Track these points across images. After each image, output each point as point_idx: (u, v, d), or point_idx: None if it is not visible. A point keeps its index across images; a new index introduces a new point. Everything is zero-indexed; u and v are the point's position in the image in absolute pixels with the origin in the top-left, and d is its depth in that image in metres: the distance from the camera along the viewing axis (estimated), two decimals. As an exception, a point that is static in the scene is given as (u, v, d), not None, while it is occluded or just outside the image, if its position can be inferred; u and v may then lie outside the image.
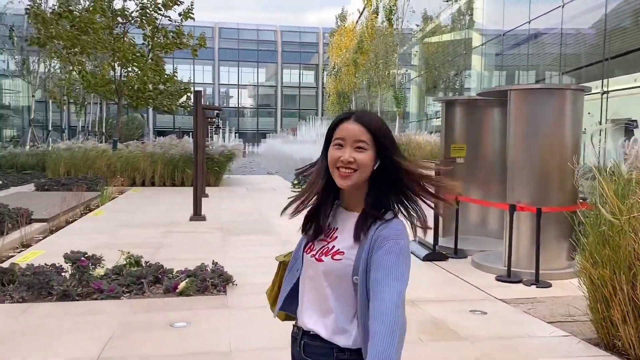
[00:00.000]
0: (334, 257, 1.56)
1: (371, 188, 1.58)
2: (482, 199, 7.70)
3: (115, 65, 19.26)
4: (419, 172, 1.58)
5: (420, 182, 1.58)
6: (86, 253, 5.75)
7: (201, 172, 10.63)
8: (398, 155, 1.57)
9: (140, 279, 5.46)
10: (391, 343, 1.33)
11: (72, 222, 10.00)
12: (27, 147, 22.25)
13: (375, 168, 1.56)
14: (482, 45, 25.89)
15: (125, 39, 18.87)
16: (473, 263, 6.75)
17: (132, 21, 18.63)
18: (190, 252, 7.18)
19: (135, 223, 9.65)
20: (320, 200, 1.63)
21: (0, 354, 3.72)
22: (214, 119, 18.61)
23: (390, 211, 1.58)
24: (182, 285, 5.37)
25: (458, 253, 7.25)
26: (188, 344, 4.01)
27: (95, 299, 5.10)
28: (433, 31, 30.67)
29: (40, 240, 8.25)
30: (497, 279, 6.07)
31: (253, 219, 10.32)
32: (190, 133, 16.56)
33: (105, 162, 16.39)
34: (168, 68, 27.24)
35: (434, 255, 7.06)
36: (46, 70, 25.92)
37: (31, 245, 7.77)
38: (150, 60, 19.62)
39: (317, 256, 1.60)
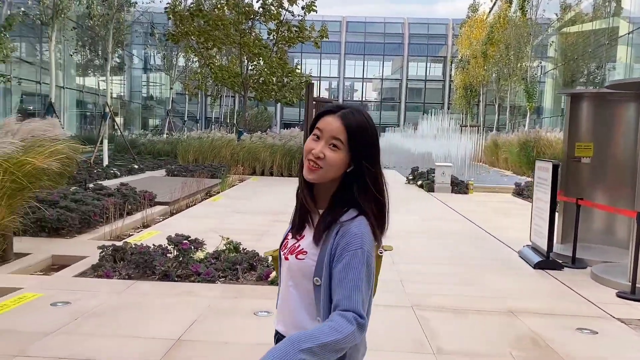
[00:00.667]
0: (298, 257, 1.53)
1: (340, 190, 1.51)
2: (609, 204, 6.89)
3: (243, 58, 20.18)
4: (375, 195, 1.50)
5: (372, 204, 1.49)
6: (189, 236, 6.04)
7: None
8: (374, 165, 1.49)
9: (235, 265, 5.61)
10: (313, 338, 1.29)
11: (191, 206, 10.64)
12: (165, 135, 24.18)
13: (348, 171, 1.49)
14: (629, 34, 23.32)
15: (252, 33, 19.70)
16: (592, 275, 6.06)
17: (258, 16, 19.38)
18: (290, 242, 7.26)
19: (247, 210, 10.02)
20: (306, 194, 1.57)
21: (94, 326, 4.01)
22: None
23: (352, 210, 1.48)
24: (273, 274, 5.43)
25: (576, 262, 6.55)
26: (265, 333, 4.01)
27: (193, 281, 5.33)
28: (573, 20, 28.23)
29: (160, 221, 8.86)
30: (619, 295, 5.38)
31: (360, 213, 10.21)
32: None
33: (230, 151, 17.28)
34: (296, 62, 28.05)
35: (547, 263, 6.45)
36: (185, 64, 27.97)
37: (150, 226, 8.37)
38: (274, 54, 20.29)
39: (285, 254, 1.59)
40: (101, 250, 5.75)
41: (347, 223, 1.45)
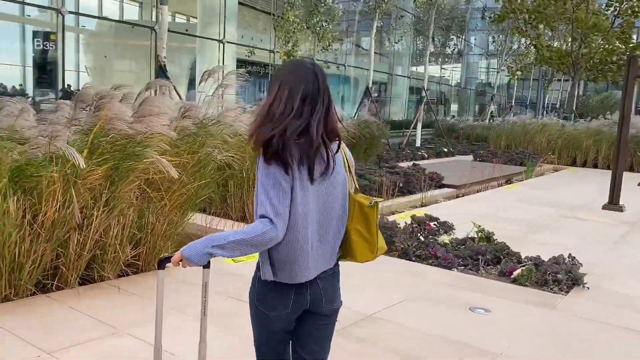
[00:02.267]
0: None
1: None
2: None
3: (575, 35, 18.02)
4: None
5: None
6: (438, 218, 5.82)
7: (624, 155, 8.97)
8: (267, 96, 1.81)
9: (478, 255, 5.14)
10: (224, 237, 1.70)
11: (482, 191, 10.22)
12: (487, 120, 23.68)
13: None
14: None
15: (588, 6, 17.35)
16: None
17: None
18: (568, 240, 6.24)
19: (538, 201, 9.02)
20: None
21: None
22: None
23: None
24: (517, 272, 4.78)
25: None
26: (465, 331, 3.57)
27: (430, 263, 5.11)
28: None
29: (439, 202, 8.79)
30: None
31: (691, 219, 8.03)
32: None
33: (545, 137, 15.81)
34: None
35: None
36: (516, 46, 26.62)
37: (427, 205, 8.37)
38: (615, 28, 17.45)
39: None
40: (355, 221, 6.03)
41: None
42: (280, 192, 1.67)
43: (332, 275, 1.89)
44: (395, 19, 19.84)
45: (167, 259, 1.78)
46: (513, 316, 3.91)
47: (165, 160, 3.65)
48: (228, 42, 13.56)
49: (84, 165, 3.30)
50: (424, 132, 21.80)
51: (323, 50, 11.94)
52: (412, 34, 22.48)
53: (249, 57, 13.19)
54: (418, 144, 16.63)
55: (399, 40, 20.37)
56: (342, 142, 1.86)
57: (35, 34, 15.46)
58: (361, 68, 17.91)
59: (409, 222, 6.00)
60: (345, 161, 1.88)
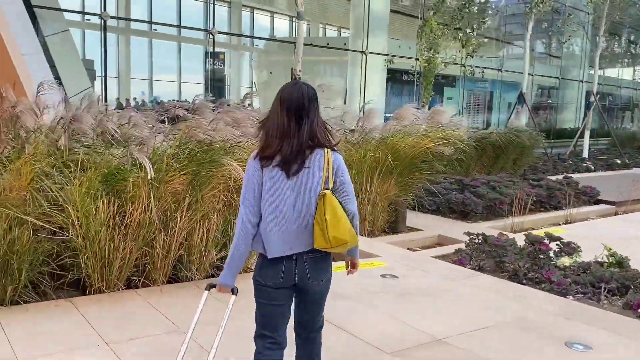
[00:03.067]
0: None
1: None
2: None
3: None
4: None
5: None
6: (561, 238, 5.14)
7: None
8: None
9: (600, 282, 4.41)
10: (227, 259, 2.25)
11: (648, 209, 8.86)
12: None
13: None
14: None
15: None
16: None
17: None
18: None
19: None
20: None
21: (383, 302, 4.02)
22: None
23: None
24: (647, 305, 4.00)
25: None
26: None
27: (542, 288, 4.53)
28: None
29: (589, 219, 7.80)
30: None
31: None
32: None
33: None
34: None
35: None
36: None
37: (571, 223, 7.46)
38: None
39: None
40: (468, 237, 5.61)
41: None
42: (250, 188, 2.17)
43: (320, 258, 2.22)
44: (564, 18, 18.06)
45: (213, 286, 2.33)
46: (621, 358, 3.27)
47: (240, 168, 3.77)
48: (371, 52, 13.63)
49: (150, 167, 3.55)
50: (601, 142, 19.47)
51: (468, 57, 11.34)
52: (588, 34, 20.23)
53: (387, 65, 13.13)
54: (585, 154, 14.91)
55: (566, 41, 18.47)
56: (331, 148, 2.21)
57: (207, 54, 17.21)
58: (516, 72, 16.62)
59: (530, 241, 5.39)
60: (326, 163, 2.18)
